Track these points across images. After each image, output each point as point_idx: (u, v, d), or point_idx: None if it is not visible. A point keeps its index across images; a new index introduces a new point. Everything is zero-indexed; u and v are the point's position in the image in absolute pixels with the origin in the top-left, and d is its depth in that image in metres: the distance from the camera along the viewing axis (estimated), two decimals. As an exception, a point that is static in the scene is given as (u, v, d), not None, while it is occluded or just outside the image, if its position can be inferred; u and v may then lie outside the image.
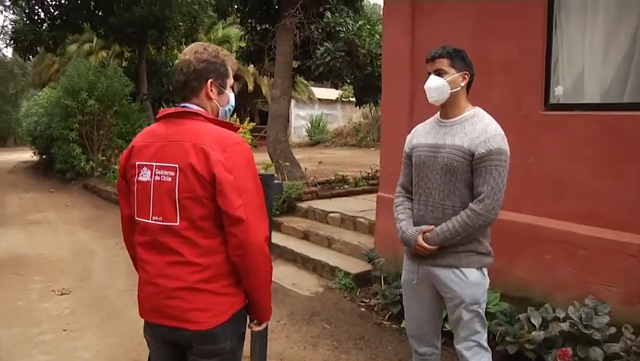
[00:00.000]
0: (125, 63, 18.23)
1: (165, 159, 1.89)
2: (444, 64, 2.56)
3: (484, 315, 2.66)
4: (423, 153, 2.67)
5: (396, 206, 2.87)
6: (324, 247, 6.38)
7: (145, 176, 1.93)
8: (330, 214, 7.19)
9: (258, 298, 2.01)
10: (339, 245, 6.20)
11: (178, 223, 1.86)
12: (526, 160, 4.05)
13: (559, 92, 4.05)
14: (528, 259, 4.06)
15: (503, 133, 2.51)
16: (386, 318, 4.60)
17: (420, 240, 2.58)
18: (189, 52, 1.99)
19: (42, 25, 14.86)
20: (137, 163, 1.95)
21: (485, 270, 2.63)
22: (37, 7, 14.59)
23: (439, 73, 2.57)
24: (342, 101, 28.44)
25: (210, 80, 1.99)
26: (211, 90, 2.00)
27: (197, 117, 1.95)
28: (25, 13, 14.66)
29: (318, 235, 6.60)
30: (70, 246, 7.51)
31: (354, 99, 12.19)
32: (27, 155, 20.37)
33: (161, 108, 12.21)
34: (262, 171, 9.99)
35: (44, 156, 16.73)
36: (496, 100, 4.11)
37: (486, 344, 2.69)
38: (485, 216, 2.44)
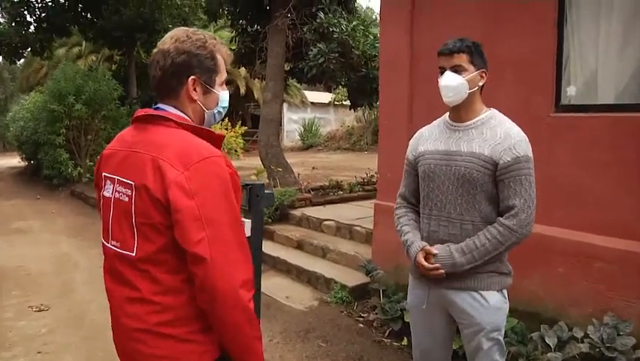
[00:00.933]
0: (114, 67, 17.90)
1: (125, 174, 1.54)
2: (463, 59, 2.25)
3: (503, 342, 2.37)
4: (433, 162, 2.36)
5: (398, 217, 2.57)
6: (319, 258, 6.10)
7: (108, 191, 1.60)
8: (325, 222, 6.91)
9: (238, 356, 1.55)
10: (334, 255, 5.92)
11: (134, 253, 1.50)
12: (536, 165, 3.78)
13: (570, 93, 3.79)
14: (539, 271, 3.79)
15: (527, 137, 2.24)
16: (386, 335, 4.32)
17: (422, 261, 2.29)
18: (169, 40, 1.59)
19: (28, 28, 14.54)
20: (103, 174, 1.64)
21: (506, 292, 2.34)
22: (22, 9, 14.25)
23: (457, 70, 2.25)
24: (335, 105, 28.25)
25: (193, 77, 1.59)
26: (194, 89, 1.61)
27: (167, 123, 1.55)
28: (10, 14, 14.32)
29: (312, 245, 6.32)
30: (53, 257, 7.16)
31: (347, 102, 11.97)
32: (15, 160, 20.02)
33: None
34: (254, 177, 9.85)
35: (31, 162, 16.44)
36: (503, 101, 3.82)
37: None
38: (519, 232, 2.15)
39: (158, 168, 1.45)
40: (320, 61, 8.73)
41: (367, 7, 35.16)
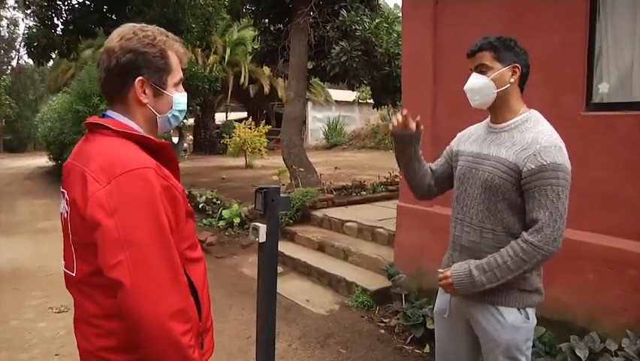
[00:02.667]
0: (138, 67, 18.03)
1: (67, 189, 1.42)
2: (486, 58, 2.08)
3: None
4: (465, 164, 2.23)
5: None
6: (341, 260, 5.98)
7: (61, 206, 1.47)
8: (347, 224, 6.79)
9: None
10: (356, 258, 5.79)
11: (74, 274, 1.39)
12: (564, 167, 3.62)
13: (603, 90, 3.59)
14: (567, 278, 3.60)
15: (561, 143, 2.01)
16: (407, 342, 4.19)
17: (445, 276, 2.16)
18: (116, 37, 1.42)
19: (55, 30, 14.69)
20: (61, 190, 1.49)
21: (531, 311, 2.14)
22: (50, 13, 14.41)
23: (481, 70, 2.10)
24: (360, 103, 28.09)
25: (140, 78, 1.43)
26: (142, 92, 1.45)
27: (105, 131, 1.40)
28: (39, 18, 14.50)
29: (334, 247, 6.21)
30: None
31: (371, 101, 11.80)
32: (44, 160, 20.36)
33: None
34: (275, 177, 9.78)
35: (58, 162, 16.64)
36: (530, 100, 3.66)
37: None
38: (545, 250, 1.94)
39: (84, 181, 1.31)
40: (343, 59, 8.59)
41: (395, 5, 34.82)
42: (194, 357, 1.34)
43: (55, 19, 14.67)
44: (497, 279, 2.02)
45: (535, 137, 2.01)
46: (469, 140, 2.31)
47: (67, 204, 1.40)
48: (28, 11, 15.78)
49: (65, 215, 1.42)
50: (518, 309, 2.11)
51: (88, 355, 1.41)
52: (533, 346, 3.28)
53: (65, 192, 1.43)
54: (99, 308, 1.36)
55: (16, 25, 50.40)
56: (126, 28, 1.44)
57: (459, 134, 2.45)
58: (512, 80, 2.09)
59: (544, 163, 1.94)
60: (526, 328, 2.13)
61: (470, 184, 2.18)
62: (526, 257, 1.97)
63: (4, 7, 47.21)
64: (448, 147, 2.46)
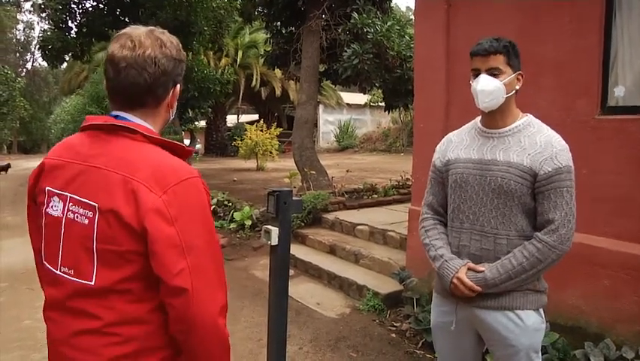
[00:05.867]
0: (151, 69, 18.14)
1: (83, 192, 1.34)
2: (500, 61, 2.06)
3: None
4: (465, 171, 2.17)
5: (426, 230, 2.35)
6: (352, 263, 5.97)
7: (56, 209, 1.39)
8: (358, 227, 6.77)
9: None
10: (367, 261, 5.77)
11: (93, 282, 1.32)
12: (579, 172, 3.56)
13: (618, 93, 3.54)
14: (581, 283, 3.57)
15: (568, 146, 2.07)
16: (419, 346, 4.16)
17: (464, 277, 2.08)
18: (149, 42, 1.37)
19: (69, 33, 14.84)
20: (46, 188, 1.41)
21: (542, 311, 2.15)
22: (65, 15, 14.56)
23: (494, 73, 2.06)
24: (371, 106, 28.10)
25: (179, 85, 1.48)
26: (175, 98, 1.49)
27: (134, 135, 1.37)
28: (54, 21, 14.66)
29: (345, 250, 6.19)
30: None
31: (383, 104, 11.78)
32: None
33: (186, 114, 11.69)
34: (287, 180, 9.78)
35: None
36: (543, 104, 3.65)
37: None
38: (559, 249, 1.99)
39: (132, 191, 1.28)
40: (354, 62, 8.58)
41: (407, 8, 34.76)
42: (229, 348, 1.43)
43: (70, 22, 14.83)
44: (511, 280, 2.02)
45: (549, 140, 2.04)
46: (460, 146, 2.26)
47: (85, 209, 1.34)
48: (44, 15, 16.01)
49: (73, 219, 1.36)
50: (535, 310, 2.10)
51: None
52: (546, 352, 3.27)
53: (74, 196, 1.37)
54: (118, 315, 1.33)
55: (31, 28, 51.12)
56: (157, 35, 1.42)
57: (441, 145, 2.39)
58: (518, 86, 2.12)
59: (561, 166, 1.98)
60: (543, 329, 2.15)
61: (476, 191, 2.14)
62: (542, 257, 1.99)
63: (21, 11, 47.83)
64: (433, 167, 2.39)
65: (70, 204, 1.36)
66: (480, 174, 2.13)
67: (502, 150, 2.10)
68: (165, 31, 1.47)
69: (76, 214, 1.35)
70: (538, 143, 2.04)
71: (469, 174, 2.16)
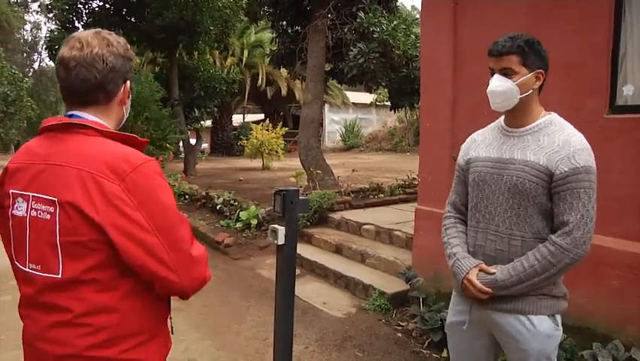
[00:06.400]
0: (157, 69, 18.16)
1: (43, 190, 1.41)
2: (513, 61, 2.01)
3: None
4: (483, 170, 2.15)
5: (446, 229, 2.34)
6: (358, 263, 5.95)
7: (20, 209, 1.45)
8: (364, 226, 6.76)
9: None
10: (373, 261, 5.76)
11: (60, 275, 1.38)
12: (586, 170, 3.56)
13: (627, 92, 3.51)
14: (589, 283, 3.54)
15: (589, 146, 1.98)
16: (425, 346, 4.15)
17: (473, 279, 2.07)
18: (96, 42, 1.46)
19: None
20: (10, 191, 1.47)
21: (559, 317, 2.08)
22: (72, 16, 14.62)
23: (507, 73, 2.02)
24: (377, 105, 28.05)
25: (129, 82, 1.56)
26: (126, 95, 1.57)
27: (88, 131, 1.44)
28: (61, 21, 14.72)
29: (351, 249, 6.17)
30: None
31: (389, 103, 11.75)
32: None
33: (192, 114, 11.69)
34: (293, 179, 9.77)
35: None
36: (550, 103, 3.61)
37: None
38: (574, 253, 1.91)
39: (89, 182, 1.35)
40: (360, 61, 8.55)
41: (412, 7, 34.72)
42: (205, 255, 1.55)
43: (76, 22, 14.90)
44: (522, 282, 1.97)
45: (567, 139, 1.97)
46: (482, 145, 2.23)
47: (46, 204, 1.40)
48: (50, 15, 16.08)
49: (36, 216, 1.42)
50: (549, 316, 2.04)
51: (68, 360, 1.40)
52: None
53: (34, 194, 1.43)
54: (88, 306, 1.39)
55: (38, 28, 51.32)
56: (103, 36, 1.50)
57: (465, 144, 2.37)
58: (536, 85, 2.05)
59: (578, 166, 1.91)
60: (556, 336, 2.07)
61: (492, 190, 2.10)
62: (554, 260, 1.92)
63: (28, 12, 48.03)
64: (457, 166, 2.38)
65: (33, 202, 1.42)
66: (497, 173, 2.09)
67: (520, 148, 2.06)
68: (112, 32, 1.55)
69: (38, 211, 1.41)
70: (556, 142, 1.98)
71: (486, 173, 2.13)
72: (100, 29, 1.53)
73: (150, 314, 1.52)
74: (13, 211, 1.46)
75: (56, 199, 1.38)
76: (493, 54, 2.06)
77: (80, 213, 1.34)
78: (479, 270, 2.09)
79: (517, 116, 2.11)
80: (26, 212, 1.43)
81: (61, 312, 1.39)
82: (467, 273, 2.10)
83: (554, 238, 1.94)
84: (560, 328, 2.08)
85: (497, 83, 2.04)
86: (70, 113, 1.49)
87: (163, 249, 1.38)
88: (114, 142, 1.46)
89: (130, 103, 1.64)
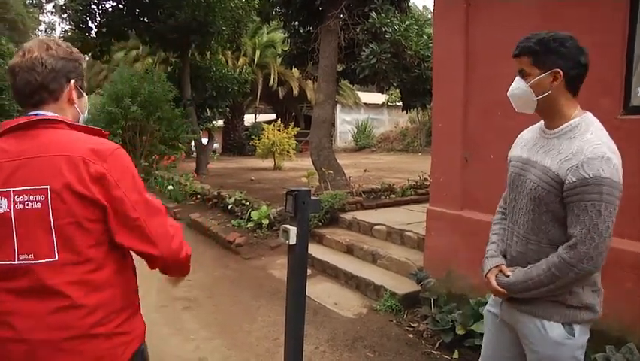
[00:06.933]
0: (170, 69, 18.25)
1: (28, 182, 1.49)
2: (525, 63, 1.97)
3: None
4: (515, 170, 2.13)
5: (493, 223, 2.35)
6: (369, 263, 5.94)
7: (0, 207, 1.50)
8: (376, 227, 6.75)
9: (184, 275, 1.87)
10: (385, 261, 5.75)
11: (57, 258, 1.49)
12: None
13: (642, 93, 3.48)
14: (604, 286, 3.49)
15: (611, 153, 1.85)
16: (436, 347, 4.13)
17: (491, 278, 2.12)
18: (36, 48, 1.59)
19: (89, 33, 15.01)
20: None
21: (578, 327, 1.99)
22: (85, 16, 14.74)
23: (522, 74, 1.99)
24: (389, 106, 28.01)
25: (73, 81, 1.66)
26: (73, 93, 1.67)
27: (57, 125, 1.58)
28: (74, 21, 14.84)
29: (362, 250, 6.17)
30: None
31: (400, 103, 11.72)
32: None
33: (204, 113, 11.79)
34: (304, 179, 9.77)
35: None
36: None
37: None
38: (578, 267, 1.84)
39: (77, 165, 1.49)
40: (372, 61, 8.54)
41: (424, 7, 34.62)
42: (189, 249, 1.76)
43: (90, 22, 15.01)
44: (529, 288, 1.97)
45: (581, 146, 1.86)
46: (520, 145, 2.20)
47: (35, 194, 1.49)
48: (65, 15, 16.21)
49: (24, 208, 1.49)
50: (563, 324, 1.99)
51: (68, 342, 1.50)
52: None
53: (18, 188, 1.50)
54: (85, 286, 1.51)
55: (52, 29, 51.71)
56: (45, 41, 1.64)
57: (515, 141, 2.32)
58: (554, 85, 1.94)
59: (587, 177, 1.81)
60: (571, 345, 1.99)
61: (519, 192, 2.08)
62: (559, 273, 1.88)
63: (43, 12, 48.48)
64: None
65: (16, 196, 1.49)
66: (522, 174, 2.07)
67: (545, 151, 2.00)
68: (56, 38, 1.73)
69: (25, 203, 1.49)
70: (572, 148, 1.89)
71: (517, 174, 2.12)
72: (43, 37, 1.71)
73: (131, 289, 1.69)
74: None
75: (48, 186, 1.48)
76: (513, 56, 2.02)
77: (74, 193, 1.47)
78: (499, 270, 2.11)
79: (547, 118, 2.06)
80: (8, 207, 1.49)
81: (60, 297, 1.49)
82: (488, 272, 2.15)
83: (560, 250, 1.90)
84: (578, 337, 2.00)
85: (514, 86, 2.03)
86: (35, 112, 1.59)
87: (144, 224, 1.56)
88: (84, 133, 1.61)
89: (86, 103, 1.77)
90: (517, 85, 2.01)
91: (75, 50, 1.70)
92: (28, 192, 1.49)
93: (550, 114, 2.03)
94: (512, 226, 2.13)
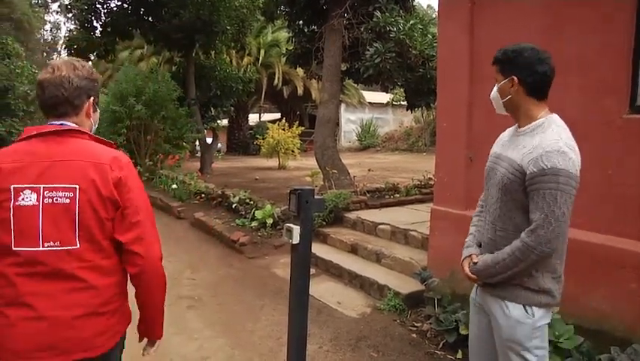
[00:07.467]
0: (174, 68, 18.26)
1: (58, 180, 1.76)
2: (495, 71, 2.29)
3: None
4: (489, 165, 2.39)
5: (473, 216, 2.62)
6: (373, 263, 5.94)
7: (28, 200, 1.74)
8: (380, 226, 6.74)
9: (156, 315, 2.04)
10: (389, 261, 5.75)
11: (78, 246, 1.77)
12: (604, 172, 3.52)
13: (648, 93, 3.47)
14: (607, 286, 3.51)
15: (567, 148, 2.06)
16: (440, 347, 4.13)
17: (464, 265, 2.40)
18: (64, 67, 1.86)
19: (94, 33, 15.04)
20: (11, 187, 1.74)
21: (536, 310, 2.19)
22: (90, 16, 14.77)
23: (496, 81, 2.30)
24: (393, 105, 27.94)
25: (92, 98, 1.94)
26: (90, 108, 1.95)
27: (82, 135, 1.87)
28: (80, 21, 14.87)
29: (366, 249, 6.16)
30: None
31: (405, 103, 11.71)
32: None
33: (209, 113, 11.89)
34: (308, 179, 9.77)
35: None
36: (568, 104, 3.59)
37: None
38: (538, 249, 2.06)
39: (103, 170, 1.79)
40: (376, 61, 8.52)
41: (428, 6, 34.57)
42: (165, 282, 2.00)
43: (95, 22, 15.02)
44: (497, 273, 2.19)
45: (542, 141, 2.10)
46: (499, 143, 2.42)
47: (65, 191, 1.75)
48: (70, 15, 16.25)
49: (53, 202, 1.74)
50: (523, 306, 2.19)
51: (81, 319, 1.77)
52: (570, 355, 3.21)
53: (48, 185, 1.74)
54: (98, 271, 1.80)
55: (58, 28, 51.96)
56: (72, 62, 1.89)
57: (495, 141, 2.53)
58: (512, 90, 2.22)
59: (545, 168, 2.03)
60: (529, 324, 2.18)
61: (491, 184, 2.32)
62: (522, 256, 2.10)
63: (48, 12, 48.64)
64: None
65: (46, 192, 1.74)
66: (494, 168, 2.31)
67: (513, 147, 2.24)
68: (80, 60, 1.96)
69: (54, 198, 1.74)
70: (534, 142, 2.12)
71: (490, 168, 2.37)
72: (70, 58, 2.00)
73: (126, 277, 1.93)
74: (17, 203, 1.73)
75: (77, 186, 1.75)
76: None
77: (99, 193, 1.76)
78: (471, 259, 2.37)
79: (516, 118, 2.31)
80: (37, 201, 1.74)
81: (76, 280, 1.76)
82: (462, 260, 2.42)
83: (523, 235, 2.11)
84: (537, 319, 2.18)
85: (493, 90, 2.33)
86: (59, 122, 1.86)
87: (142, 226, 1.85)
88: (101, 144, 1.91)
89: (98, 116, 2.04)
90: (493, 90, 2.33)
91: (94, 71, 1.96)
92: (59, 190, 1.75)
93: (516, 115, 2.29)
94: (486, 216, 2.37)
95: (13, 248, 1.73)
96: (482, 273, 2.27)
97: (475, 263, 2.31)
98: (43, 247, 1.73)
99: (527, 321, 2.18)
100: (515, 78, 2.19)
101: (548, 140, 2.08)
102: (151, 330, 2.07)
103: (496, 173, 2.27)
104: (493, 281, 2.23)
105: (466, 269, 2.37)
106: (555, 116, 2.21)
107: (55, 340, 1.74)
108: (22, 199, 1.73)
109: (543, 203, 2.04)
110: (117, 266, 1.86)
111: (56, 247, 1.74)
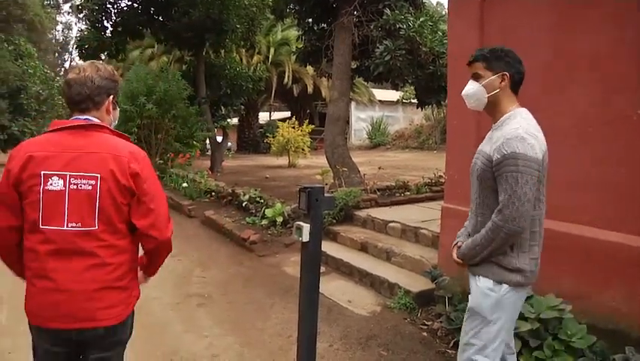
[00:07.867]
0: (185, 67, 18.32)
1: (83, 169, 2.00)
2: (479, 67, 2.47)
3: (491, 337, 2.46)
4: (473, 160, 2.60)
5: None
6: (384, 261, 5.92)
7: (56, 185, 1.98)
8: (390, 224, 6.72)
9: (157, 265, 2.36)
10: (399, 259, 5.72)
11: (97, 227, 2.01)
12: (617, 170, 3.48)
13: (662, 89, 3.42)
14: (622, 284, 3.46)
15: (526, 134, 2.29)
16: (450, 345, 4.10)
17: (453, 253, 2.63)
18: (89, 69, 2.11)
19: (105, 33, 15.12)
20: (42, 172, 1.98)
21: (506, 287, 2.41)
22: (101, 15, 14.85)
23: (476, 77, 2.48)
24: (404, 103, 27.84)
25: (112, 97, 2.16)
26: (111, 105, 2.17)
27: (103, 130, 2.10)
28: (90, 21, 14.95)
29: (377, 248, 6.14)
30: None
31: (415, 100, 11.66)
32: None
33: (219, 111, 12.02)
34: (318, 177, 9.77)
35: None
36: (579, 100, 3.56)
37: None
38: (506, 227, 2.29)
39: (122, 161, 2.03)
40: (386, 58, 8.48)
41: (438, 3, 34.40)
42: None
43: (105, 21, 15.11)
44: (477, 253, 2.44)
45: (505, 130, 2.35)
46: (483, 141, 2.62)
47: (88, 179, 1.99)
48: (81, 15, 16.34)
49: (77, 188, 1.98)
50: (494, 281, 2.42)
51: (98, 292, 2.01)
52: (583, 355, 3.18)
53: (74, 173, 1.99)
54: (113, 249, 2.05)
55: (69, 28, 52.34)
56: (95, 64, 2.15)
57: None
58: (502, 85, 2.43)
59: (505, 153, 2.28)
60: (494, 297, 2.41)
61: (473, 177, 2.56)
62: (493, 235, 2.34)
63: (60, 12, 49.00)
64: None
65: (72, 179, 1.99)
66: (475, 162, 2.54)
67: (487, 141, 2.50)
68: (103, 63, 2.22)
69: (79, 185, 1.99)
70: (500, 133, 2.37)
71: (473, 162, 2.58)
72: (95, 61, 2.25)
73: (137, 256, 2.22)
74: (46, 187, 1.98)
75: (99, 175, 2.00)
76: (467, 63, 2.53)
77: (117, 182, 2.01)
78: (458, 246, 2.62)
79: (491, 114, 2.52)
80: (64, 186, 1.98)
81: (94, 257, 2.00)
82: (452, 248, 2.66)
83: (493, 215, 2.35)
84: (502, 294, 2.40)
85: (468, 87, 2.51)
86: (84, 117, 2.10)
87: (156, 213, 2.11)
88: (121, 138, 2.14)
89: (117, 113, 2.28)
90: (472, 86, 2.48)
91: (116, 73, 2.22)
92: (83, 177, 1.99)
93: (494, 111, 2.50)
94: (471, 207, 2.62)
95: (41, 226, 1.98)
96: (466, 255, 2.51)
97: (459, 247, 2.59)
98: (67, 227, 1.98)
99: (492, 294, 2.42)
100: (507, 74, 2.42)
101: (510, 129, 2.33)
102: (151, 271, 2.38)
103: (475, 166, 2.52)
104: (475, 262, 2.47)
105: (454, 255, 2.62)
106: (522, 110, 2.44)
107: (74, 310, 1.99)
108: (51, 184, 1.98)
109: (506, 185, 2.27)
110: (130, 245, 2.12)
111: (78, 227, 1.98)
